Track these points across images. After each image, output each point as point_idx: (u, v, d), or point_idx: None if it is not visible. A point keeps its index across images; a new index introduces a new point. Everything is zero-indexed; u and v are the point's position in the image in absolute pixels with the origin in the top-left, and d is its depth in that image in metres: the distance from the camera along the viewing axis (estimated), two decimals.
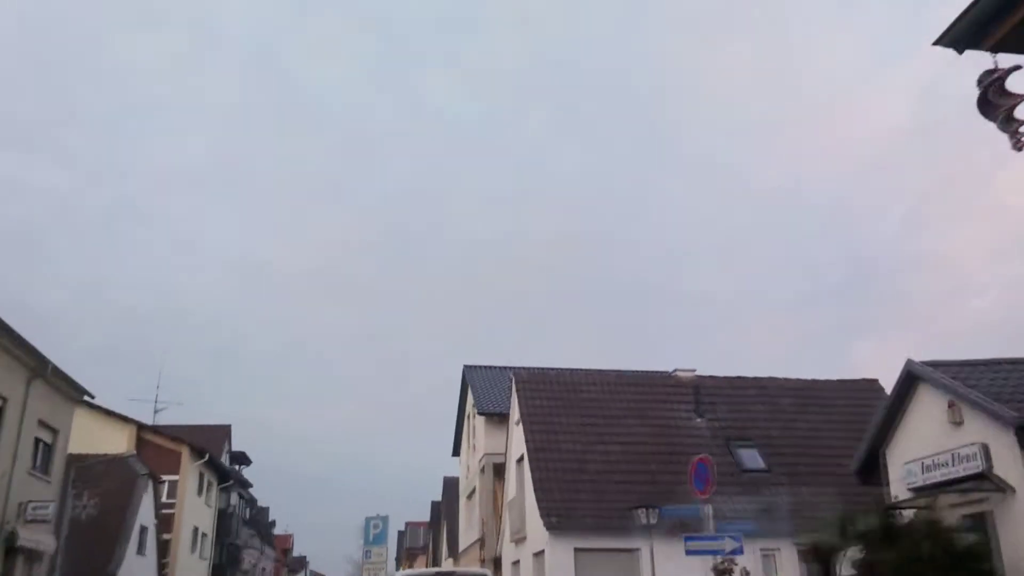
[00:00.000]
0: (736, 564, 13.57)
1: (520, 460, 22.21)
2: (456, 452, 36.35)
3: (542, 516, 18.31)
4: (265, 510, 71.68)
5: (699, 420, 21.83)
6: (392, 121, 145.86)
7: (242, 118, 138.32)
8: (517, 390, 22.83)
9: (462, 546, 32.64)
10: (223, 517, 47.81)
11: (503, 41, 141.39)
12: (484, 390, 29.82)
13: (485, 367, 32.57)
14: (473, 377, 31.20)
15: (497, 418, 27.44)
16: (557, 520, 18.02)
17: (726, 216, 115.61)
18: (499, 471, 26.98)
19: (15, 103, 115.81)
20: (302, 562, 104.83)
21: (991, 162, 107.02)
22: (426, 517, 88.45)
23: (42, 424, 23.48)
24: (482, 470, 28.09)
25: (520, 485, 22.03)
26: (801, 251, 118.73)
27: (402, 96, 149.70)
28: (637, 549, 17.88)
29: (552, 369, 23.56)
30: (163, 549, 38.88)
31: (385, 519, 18.32)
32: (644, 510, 15.44)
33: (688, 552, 13.71)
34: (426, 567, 53.87)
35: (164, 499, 39.98)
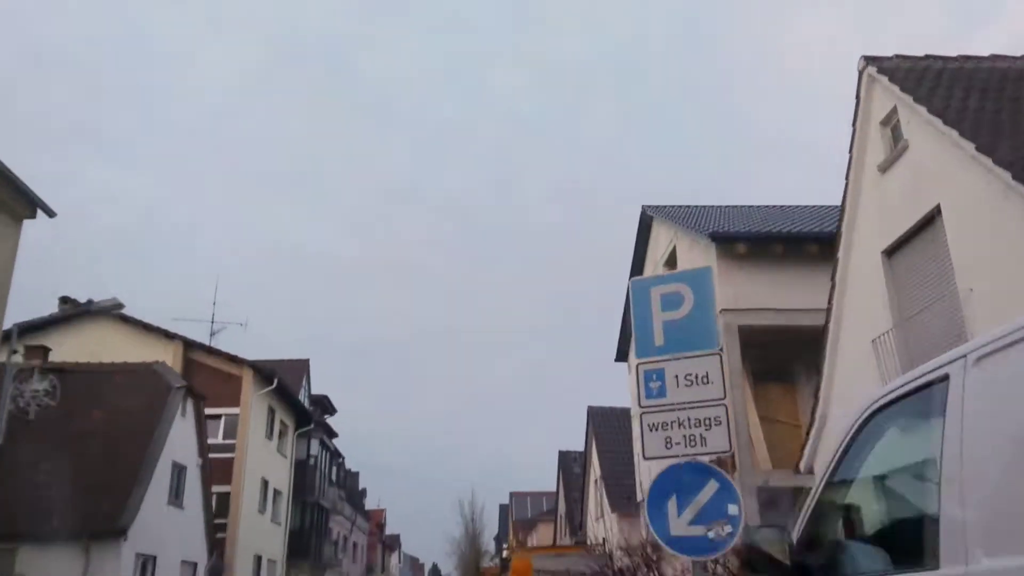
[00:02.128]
0: None
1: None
2: (622, 357, 24.82)
3: None
4: (355, 475, 61.92)
5: None
6: (462, 118, 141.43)
7: (318, 121, 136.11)
8: (899, 88, 10.83)
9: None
10: (302, 471, 37.64)
11: (571, 35, 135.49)
12: (693, 223, 18.19)
13: (673, 206, 21.02)
14: (666, 215, 19.61)
15: (744, 248, 15.73)
16: None
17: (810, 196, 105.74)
18: (754, 336, 15.39)
19: (106, 118, 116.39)
20: (396, 541, 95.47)
21: None
22: (536, 487, 78.50)
23: None
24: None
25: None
26: None
27: (471, 93, 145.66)
28: None
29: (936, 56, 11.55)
30: (221, 506, 28.82)
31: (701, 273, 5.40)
32: None
33: None
34: (555, 538, 42.66)
35: (220, 439, 29.91)
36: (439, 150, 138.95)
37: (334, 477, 45.80)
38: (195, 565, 24.20)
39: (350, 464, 58.96)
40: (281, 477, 35.02)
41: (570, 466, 39.84)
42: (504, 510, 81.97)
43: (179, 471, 22.86)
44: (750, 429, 15.30)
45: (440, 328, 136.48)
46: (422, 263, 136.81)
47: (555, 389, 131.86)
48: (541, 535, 47.41)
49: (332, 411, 45.71)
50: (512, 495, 75.96)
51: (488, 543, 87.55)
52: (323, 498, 40.14)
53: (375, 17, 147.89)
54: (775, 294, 15.37)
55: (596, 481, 30.26)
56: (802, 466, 12.70)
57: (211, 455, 29.01)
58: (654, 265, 21.06)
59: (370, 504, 74.62)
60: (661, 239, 20.25)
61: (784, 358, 16.54)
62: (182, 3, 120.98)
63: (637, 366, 5.62)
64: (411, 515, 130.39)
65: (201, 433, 24.29)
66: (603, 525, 27.81)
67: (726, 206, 20.83)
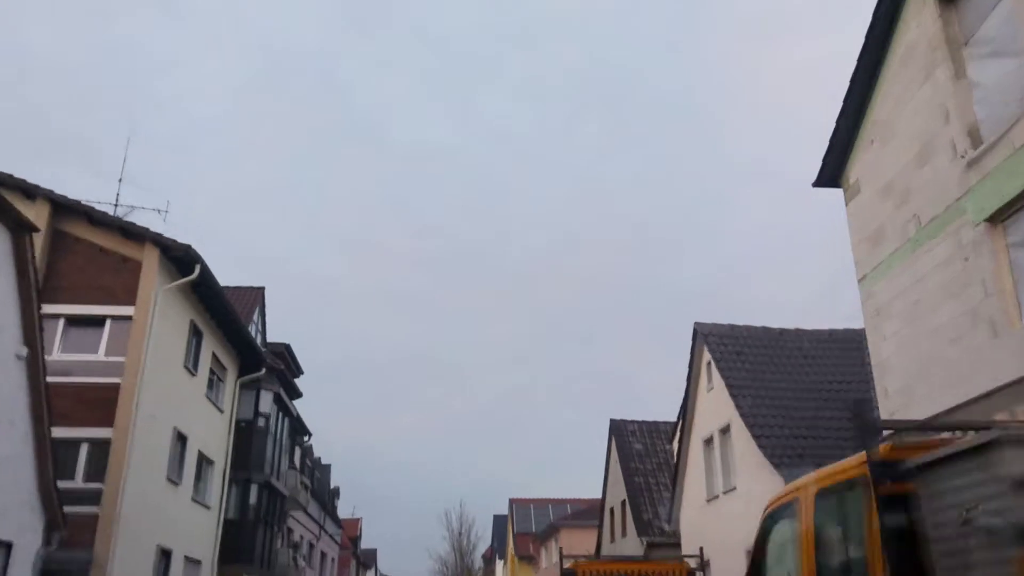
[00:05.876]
0: None
1: None
2: (829, 182, 13.50)
3: None
4: (326, 468, 49.93)
5: None
6: (450, 136, 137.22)
7: (303, 137, 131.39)
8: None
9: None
10: (248, 435, 25.94)
11: (558, 53, 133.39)
12: None
13: None
14: None
15: None
16: None
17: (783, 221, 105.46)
18: None
19: (87, 129, 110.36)
20: (372, 557, 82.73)
21: None
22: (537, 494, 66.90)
23: None
24: None
25: None
26: None
27: (459, 111, 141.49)
28: None
29: None
30: (95, 461, 17.32)
31: None
32: None
33: None
34: (599, 545, 30.95)
35: (103, 354, 18.37)
36: (426, 168, 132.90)
37: (296, 458, 33.96)
38: (8, 546, 12.55)
39: (319, 452, 47.00)
40: (213, 437, 23.33)
41: (626, 439, 28.27)
42: (501, 522, 69.74)
43: None
44: None
45: (424, 348, 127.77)
46: (408, 283, 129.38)
47: (544, 406, 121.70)
48: (570, 544, 35.59)
49: (296, 371, 33.91)
50: (512, 502, 63.80)
51: (479, 561, 75.25)
52: (278, 480, 28.35)
53: (365, 37, 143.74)
54: None
55: (713, 439, 18.79)
56: None
57: (88, 379, 17.68)
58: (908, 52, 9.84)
59: (343, 512, 62.42)
60: None
61: None
62: (172, 17, 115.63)
63: None
64: (390, 532, 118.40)
65: (27, 296, 12.70)
66: None
67: None
